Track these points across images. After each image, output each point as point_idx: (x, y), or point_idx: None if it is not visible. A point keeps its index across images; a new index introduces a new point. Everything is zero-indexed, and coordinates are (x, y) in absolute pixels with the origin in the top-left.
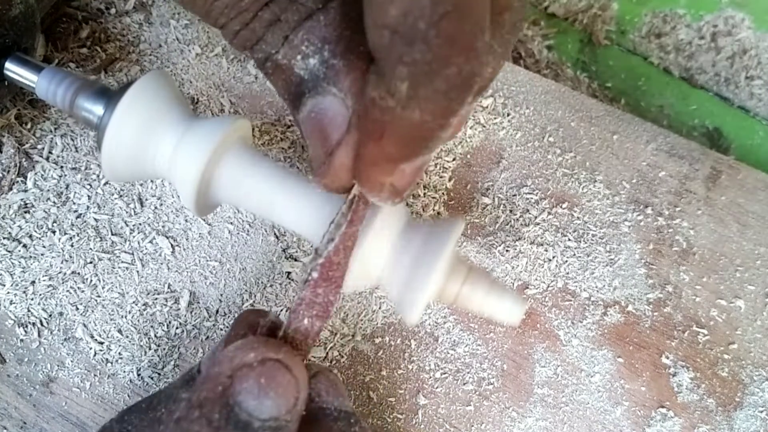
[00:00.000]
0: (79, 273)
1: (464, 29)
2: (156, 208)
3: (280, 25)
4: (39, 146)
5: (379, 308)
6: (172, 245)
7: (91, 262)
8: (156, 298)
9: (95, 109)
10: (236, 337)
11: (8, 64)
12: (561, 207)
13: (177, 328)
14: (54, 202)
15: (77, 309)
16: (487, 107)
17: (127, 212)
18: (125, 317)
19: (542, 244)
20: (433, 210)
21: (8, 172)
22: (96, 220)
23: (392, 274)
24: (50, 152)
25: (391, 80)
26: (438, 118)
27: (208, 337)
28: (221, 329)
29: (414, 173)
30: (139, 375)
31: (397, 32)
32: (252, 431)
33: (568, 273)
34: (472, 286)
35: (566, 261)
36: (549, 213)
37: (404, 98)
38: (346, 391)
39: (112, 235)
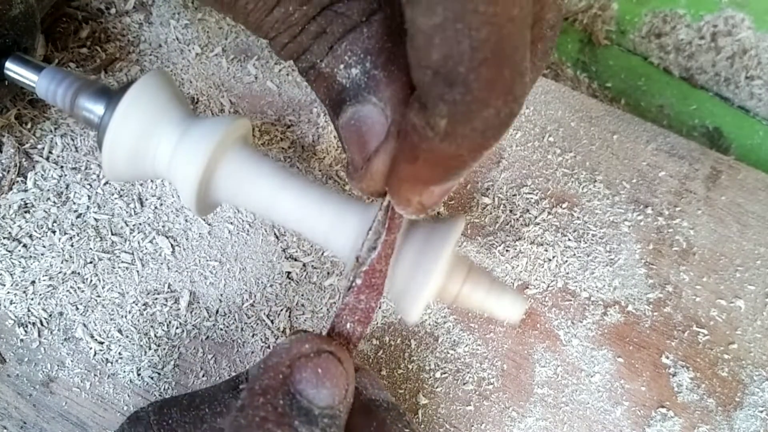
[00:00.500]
0: (79, 273)
1: (503, 75)
2: (156, 208)
3: (326, 36)
4: (39, 146)
5: (379, 308)
6: (172, 245)
7: (91, 262)
8: (156, 298)
9: (96, 108)
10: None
11: (8, 64)
12: (561, 207)
13: (177, 328)
14: (54, 202)
15: (77, 309)
16: None
17: (127, 212)
18: (125, 317)
19: (542, 244)
20: (433, 210)
21: (8, 172)
22: (96, 220)
23: (392, 274)
24: (50, 152)
25: (431, 115)
26: (472, 152)
27: (208, 337)
28: (221, 329)
29: (442, 194)
30: (139, 375)
31: (439, 74)
32: (313, 417)
33: (568, 273)
34: (473, 285)
35: (566, 261)
36: (549, 213)
37: (442, 133)
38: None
39: (112, 235)
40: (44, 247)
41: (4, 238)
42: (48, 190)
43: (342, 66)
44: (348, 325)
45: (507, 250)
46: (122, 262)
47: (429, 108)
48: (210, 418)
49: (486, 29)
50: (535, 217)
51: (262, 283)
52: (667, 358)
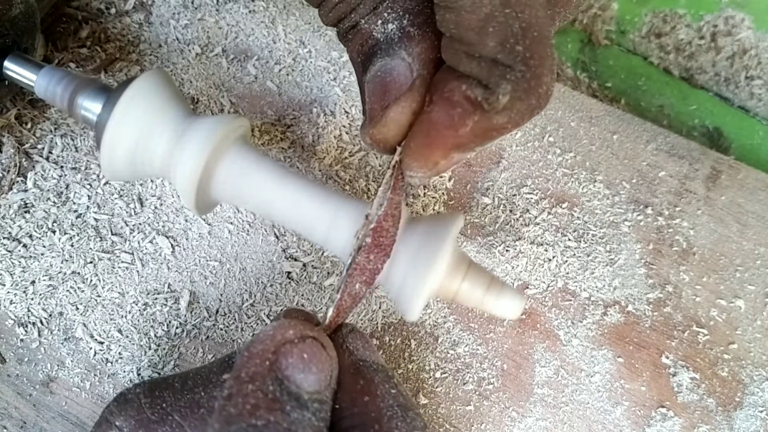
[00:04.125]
0: (79, 273)
1: (548, 52)
2: (156, 207)
3: None
4: (39, 146)
5: (379, 308)
6: (172, 245)
7: (91, 262)
8: (156, 298)
9: (94, 107)
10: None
11: (8, 63)
12: (561, 207)
13: (177, 327)
14: (54, 202)
15: (77, 309)
16: None
17: (127, 212)
18: (125, 317)
19: (542, 244)
20: (433, 210)
21: (8, 172)
22: (96, 219)
23: (392, 271)
24: (50, 152)
25: (492, 93)
26: (514, 126)
27: (208, 336)
28: (221, 329)
29: (457, 161)
30: (139, 375)
31: (497, 60)
32: (303, 402)
33: (568, 273)
34: (472, 282)
35: (566, 261)
36: (549, 213)
37: (500, 108)
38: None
39: (112, 234)
40: (44, 247)
41: (4, 238)
42: (48, 190)
43: (380, 22)
44: (357, 285)
45: (507, 250)
46: (122, 262)
47: (492, 87)
48: (206, 401)
49: (527, 10)
50: (535, 217)
51: (262, 283)
52: (667, 358)
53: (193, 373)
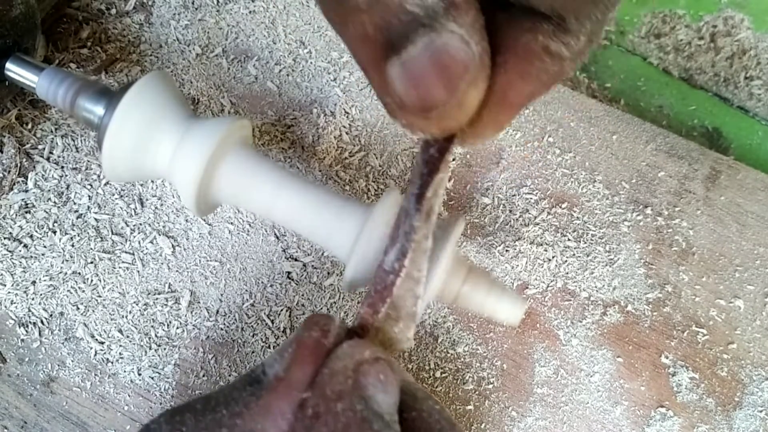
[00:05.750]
0: (79, 273)
1: None
2: (156, 208)
3: None
4: (40, 146)
5: None
6: (172, 245)
7: (91, 262)
8: (156, 298)
9: (96, 109)
10: (309, 338)
11: (9, 65)
12: (560, 207)
13: (177, 327)
14: (55, 202)
15: (78, 309)
16: None
17: (127, 212)
18: (126, 317)
19: (542, 244)
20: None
21: (9, 172)
22: (96, 220)
23: None
24: (51, 152)
25: (576, 35)
26: (575, 69)
27: (208, 336)
28: (221, 329)
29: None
30: (139, 375)
31: None
32: (385, 423)
33: (567, 273)
34: (473, 286)
35: (566, 261)
36: (548, 213)
37: (578, 51)
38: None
39: (113, 235)
40: (45, 247)
41: (5, 238)
42: (48, 190)
43: None
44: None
45: (507, 250)
46: (123, 262)
47: (574, 30)
48: (228, 420)
49: None
50: (535, 217)
51: (262, 283)
52: (667, 357)
53: (216, 392)
